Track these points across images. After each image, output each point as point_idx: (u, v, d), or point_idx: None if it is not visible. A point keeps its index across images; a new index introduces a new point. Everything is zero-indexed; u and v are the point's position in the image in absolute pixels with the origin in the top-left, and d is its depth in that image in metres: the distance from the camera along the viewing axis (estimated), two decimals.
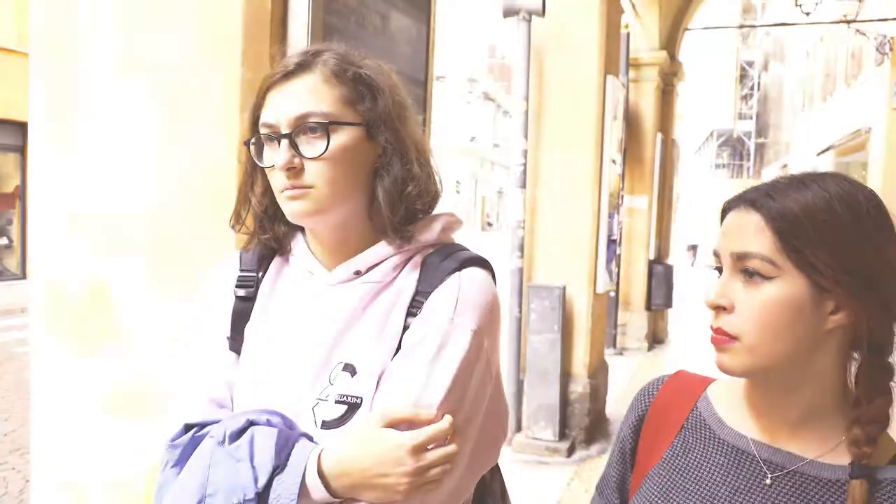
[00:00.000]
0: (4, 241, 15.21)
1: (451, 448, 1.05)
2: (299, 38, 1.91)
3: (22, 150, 15.00)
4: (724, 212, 1.06)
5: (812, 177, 1.00)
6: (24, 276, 15.02)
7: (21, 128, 14.77)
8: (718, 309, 1.00)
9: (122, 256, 2.00)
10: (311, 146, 1.11)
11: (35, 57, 2.07)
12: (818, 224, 0.95)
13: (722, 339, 1.00)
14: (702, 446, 1.11)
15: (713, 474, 1.08)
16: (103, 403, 2.04)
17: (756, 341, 0.97)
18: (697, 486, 1.08)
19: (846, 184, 0.99)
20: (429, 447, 1.03)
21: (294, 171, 1.11)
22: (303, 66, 1.14)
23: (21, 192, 15.11)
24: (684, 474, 1.10)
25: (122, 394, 2.02)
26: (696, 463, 1.10)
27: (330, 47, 1.18)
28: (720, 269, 1.03)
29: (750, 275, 0.98)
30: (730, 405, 1.13)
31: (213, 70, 1.86)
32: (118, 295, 2.01)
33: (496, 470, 1.36)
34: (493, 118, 46.77)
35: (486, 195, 47.69)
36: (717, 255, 1.04)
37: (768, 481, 1.03)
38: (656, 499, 1.11)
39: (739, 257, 0.99)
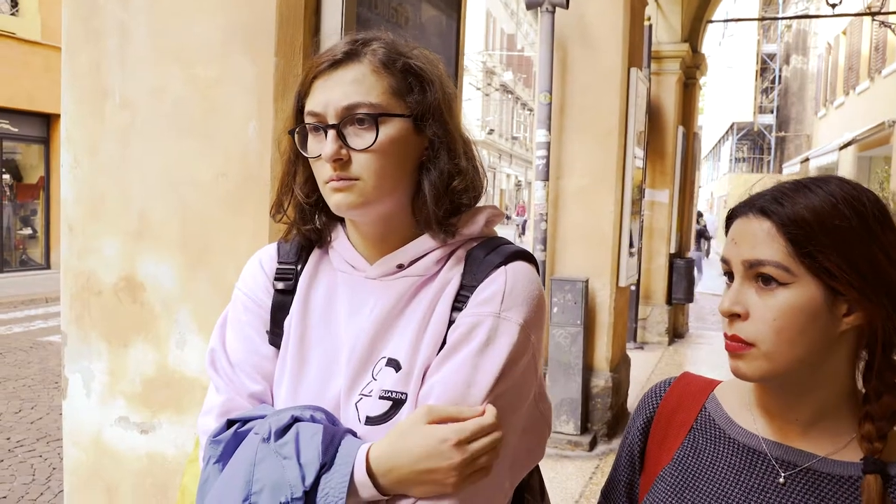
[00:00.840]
0: (28, 231, 15.36)
1: (497, 434, 1.03)
2: (333, 28, 1.89)
3: (46, 142, 15.13)
4: (730, 218, 1.06)
5: (816, 181, 1.01)
6: (48, 267, 15.20)
7: (45, 119, 14.92)
8: (733, 316, 1.01)
9: (154, 248, 2.00)
10: (360, 138, 1.09)
11: (67, 49, 2.07)
12: (829, 229, 0.96)
13: (738, 346, 1.00)
14: (712, 446, 1.12)
15: (726, 474, 1.08)
16: (132, 394, 2.05)
17: (772, 348, 0.98)
18: (711, 486, 1.08)
19: (849, 187, 1.00)
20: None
21: (341, 162, 1.09)
22: (351, 55, 1.11)
23: (45, 183, 15.25)
24: (697, 475, 1.11)
25: (151, 385, 2.03)
26: (707, 463, 1.11)
27: (378, 36, 1.15)
28: (730, 275, 1.04)
29: (764, 281, 0.98)
30: (739, 405, 1.14)
31: (246, 60, 1.85)
32: (148, 286, 2.01)
33: (535, 467, 1.35)
34: (511, 110, 46.65)
35: (504, 188, 47.61)
36: (726, 261, 1.04)
37: (781, 480, 1.04)
38: (670, 499, 1.11)
39: (752, 265, 0.99)
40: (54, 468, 4.98)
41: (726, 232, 1.07)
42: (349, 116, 1.09)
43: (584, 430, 5.47)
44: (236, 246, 1.88)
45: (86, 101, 2.06)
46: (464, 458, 1.00)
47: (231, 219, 1.90)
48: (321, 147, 1.10)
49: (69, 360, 2.12)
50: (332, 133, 1.09)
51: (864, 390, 1.03)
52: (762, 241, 0.98)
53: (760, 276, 0.99)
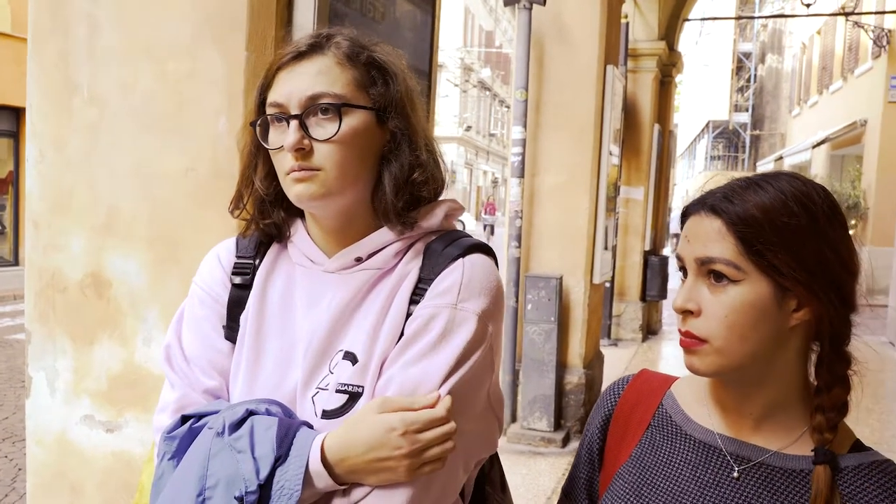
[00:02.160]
0: None
1: (449, 426, 1.03)
2: (305, 21, 1.87)
3: (16, 136, 14.90)
4: (684, 216, 1.08)
5: (767, 177, 1.03)
6: (16, 263, 14.97)
7: (15, 113, 14.68)
8: (686, 313, 1.03)
9: (122, 244, 1.97)
10: (322, 128, 1.09)
11: (33, 41, 2.03)
12: (777, 226, 0.98)
13: (691, 342, 1.03)
14: (669, 443, 1.14)
15: (682, 470, 1.10)
16: (98, 392, 2.02)
17: (724, 343, 1.00)
18: (667, 482, 1.10)
19: (799, 183, 1.02)
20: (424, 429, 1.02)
21: (302, 152, 1.08)
22: (315, 47, 1.12)
23: (14, 178, 15.01)
24: (654, 471, 1.12)
25: (117, 383, 2.00)
26: (664, 459, 1.13)
27: (341, 31, 1.16)
28: (684, 271, 1.06)
29: (716, 278, 1.00)
30: (695, 401, 1.16)
31: (216, 54, 1.83)
32: (115, 283, 1.98)
33: (496, 459, 1.36)
34: (489, 107, 46.67)
35: (481, 185, 47.65)
36: (680, 258, 1.06)
37: (735, 474, 1.06)
38: (627, 496, 1.12)
39: (704, 262, 1.01)
40: (20, 469, 4.90)
41: (681, 229, 1.09)
42: (312, 107, 1.09)
43: (558, 426, 5.49)
44: (205, 241, 1.85)
45: (52, 95, 2.02)
46: (412, 447, 1.00)
47: (200, 214, 1.88)
48: (283, 138, 1.10)
49: (33, 359, 2.09)
50: (294, 123, 1.08)
51: (816, 383, 1.05)
52: (713, 238, 1.00)
53: (712, 273, 1.01)
